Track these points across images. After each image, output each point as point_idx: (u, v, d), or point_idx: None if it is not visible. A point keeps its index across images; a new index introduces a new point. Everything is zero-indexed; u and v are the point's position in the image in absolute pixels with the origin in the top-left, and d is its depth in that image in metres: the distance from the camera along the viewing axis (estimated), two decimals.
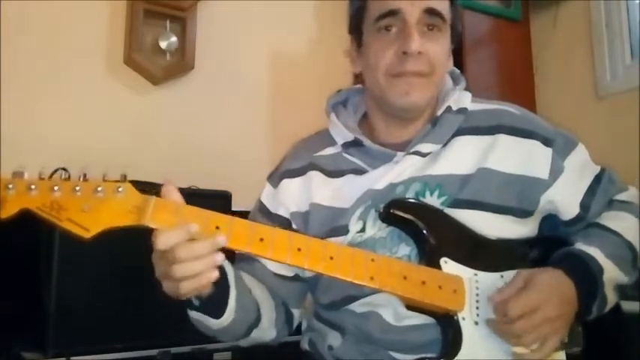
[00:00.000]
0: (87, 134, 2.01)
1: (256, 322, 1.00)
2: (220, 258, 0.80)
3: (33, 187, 0.73)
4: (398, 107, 1.04)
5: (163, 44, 2.14)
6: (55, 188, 0.74)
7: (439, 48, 1.02)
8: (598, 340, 1.02)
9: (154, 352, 1.53)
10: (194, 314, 0.90)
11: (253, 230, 0.84)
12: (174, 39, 2.16)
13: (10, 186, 0.72)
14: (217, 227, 0.81)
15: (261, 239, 0.84)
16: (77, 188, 0.75)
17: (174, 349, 1.54)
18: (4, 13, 1.89)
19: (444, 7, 1.02)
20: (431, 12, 1.00)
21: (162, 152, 2.13)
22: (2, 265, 1.50)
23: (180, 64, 2.20)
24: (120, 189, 0.77)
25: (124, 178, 0.80)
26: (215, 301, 0.88)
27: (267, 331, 1.05)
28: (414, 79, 1.00)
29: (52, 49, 2.00)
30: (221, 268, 0.89)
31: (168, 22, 2.16)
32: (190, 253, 0.77)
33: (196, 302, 0.89)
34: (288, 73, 2.49)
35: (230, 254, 0.90)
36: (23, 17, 1.95)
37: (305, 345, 1.12)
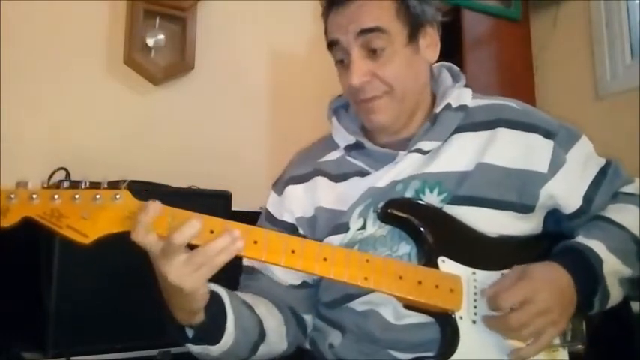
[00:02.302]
0: (87, 134, 2.01)
1: (261, 338, 0.99)
2: (237, 232, 0.80)
3: (35, 196, 0.76)
4: (369, 127, 1.08)
5: (150, 41, 2.12)
6: (56, 197, 0.77)
7: (390, 67, 1.00)
8: (605, 340, 1.01)
9: (154, 352, 1.53)
10: (195, 348, 0.90)
11: (247, 233, 0.84)
12: (161, 36, 2.14)
13: (13, 196, 0.75)
14: (211, 231, 0.81)
15: (255, 242, 0.84)
16: (77, 196, 0.78)
17: (174, 349, 1.54)
18: (4, 13, 1.89)
19: (379, 17, 0.99)
20: (366, 31, 0.98)
21: (163, 152, 2.13)
22: (2, 265, 1.51)
23: (181, 64, 2.20)
24: (117, 196, 0.80)
25: (123, 182, 0.81)
26: (210, 327, 0.88)
27: (276, 345, 1.03)
28: (372, 103, 1.02)
29: (52, 49, 2.00)
30: (216, 294, 0.89)
31: (158, 19, 2.14)
32: (187, 235, 0.77)
33: (190, 333, 0.88)
34: (288, 73, 2.49)
35: (234, 265, 0.90)
36: (23, 17, 1.95)
37: (306, 344, 1.12)
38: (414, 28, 1.02)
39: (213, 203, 1.68)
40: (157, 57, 2.16)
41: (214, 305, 0.88)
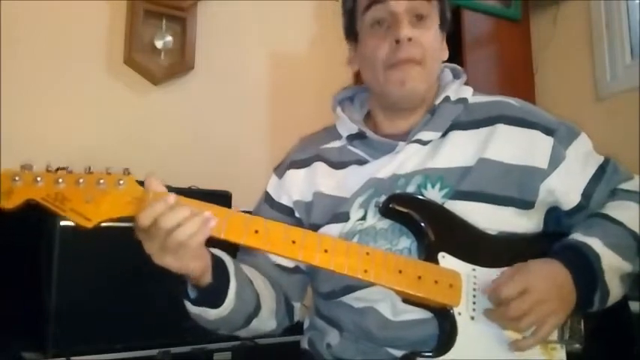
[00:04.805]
0: (87, 134, 2.01)
1: (255, 312, 1.01)
2: (208, 214, 0.82)
3: (39, 179, 0.77)
4: (397, 97, 1.07)
5: (159, 43, 2.14)
6: (60, 180, 0.78)
7: (430, 35, 1.06)
8: (603, 340, 1.02)
9: (154, 352, 1.53)
10: (193, 309, 0.92)
11: (249, 222, 0.87)
12: (169, 38, 2.15)
13: (17, 178, 0.76)
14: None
15: (256, 231, 0.86)
16: (80, 180, 0.79)
17: (174, 349, 1.54)
18: (4, 13, 1.89)
19: None
20: None
21: (163, 152, 2.13)
22: (2, 265, 1.51)
23: (181, 64, 2.20)
24: (121, 182, 0.81)
25: (127, 172, 0.83)
26: (214, 291, 0.90)
27: (266, 322, 1.06)
28: (408, 67, 1.04)
29: (52, 49, 2.00)
30: (221, 260, 0.93)
31: (164, 21, 2.16)
32: (175, 219, 0.79)
33: (194, 294, 0.90)
34: (288, 73, 2.49)
35: (232, 248, 0.93)
36: (23, 17, 1.95)
37: (305, 344, 1.13)
38: (442, 25, 1.10)
39: (213, 203, 1.68)
40: (157, 57, 2.16)
41: (219, 271, 0.91)
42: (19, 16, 1.94)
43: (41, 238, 1.53)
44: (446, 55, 1.13)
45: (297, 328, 1.18)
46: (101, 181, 0.80)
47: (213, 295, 0.91)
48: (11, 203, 0.75)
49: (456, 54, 2.36)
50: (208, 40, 2.27)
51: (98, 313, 1.48)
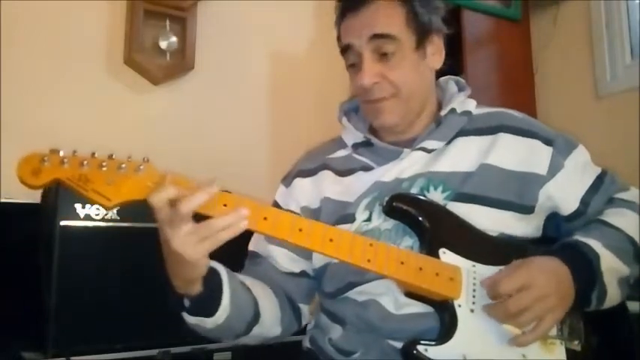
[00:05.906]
0: (87, 134, 2.01)
1: (255, 319, 1.02)
2: (244, 211, 0.83)
3: (65, 161, 0.82)
4: (376, 126, 1.13)
5: (163, 44, 2.15)
6: (85, 163, 0.83)
7: (398, 71, 1.06)
8: (604, 341, 1.02)
9: (154, 352, 1.53)
10: (190, 319, 0.93)
11: (259, 210, 0.89)
12: (174, 39, 2.16)
13: (46, 159, 0.81)
14: (225, 205, 0.86)
15: (265, 218, 0.89)
16: (103, 164, 0.84)
17: (174, 349, 1.55)
18: (4, 13, 1.89)
19: (390, 24, 1.05)
20: (378, 37, 1.05)
21: (162, 152, 2.12)
22: (2, 265, 1.51)
23: (181, 64, 2.20)
24: (141, 167, 0.86)
25: (146, 160, 0.88)
26: (207, 300, 0.91)
27: (270, 329, 1.07)
28: (380, 104, 1.08)
29: (52, 49, 2.00)
30: (214, 270, 0.93)
31: (168, 21, 2.16)
32: (196, 202, 0.82)
33: (187, 303, 0.91)
34: (288, 73, 2.49)
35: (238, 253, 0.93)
36: (23, 17, 1.95)
37: (306, 343, 1.14)
38: (422, 36, 1.08)
39: None
40: (157, 57, 2.16)
41: (212, 279, 0.91)
42: (19, 16, 1.93)
43: (41, 238, 1.53)
44: (440, 62, 1.13)
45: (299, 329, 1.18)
46: (122, 165, 0.85)
47: (207, 303, 0.91)
48: (39, 181, 0.81)
49: (456, 54, 2.37)
50: (208, 40, 2.27)
51: (98, 313, 1.49)
